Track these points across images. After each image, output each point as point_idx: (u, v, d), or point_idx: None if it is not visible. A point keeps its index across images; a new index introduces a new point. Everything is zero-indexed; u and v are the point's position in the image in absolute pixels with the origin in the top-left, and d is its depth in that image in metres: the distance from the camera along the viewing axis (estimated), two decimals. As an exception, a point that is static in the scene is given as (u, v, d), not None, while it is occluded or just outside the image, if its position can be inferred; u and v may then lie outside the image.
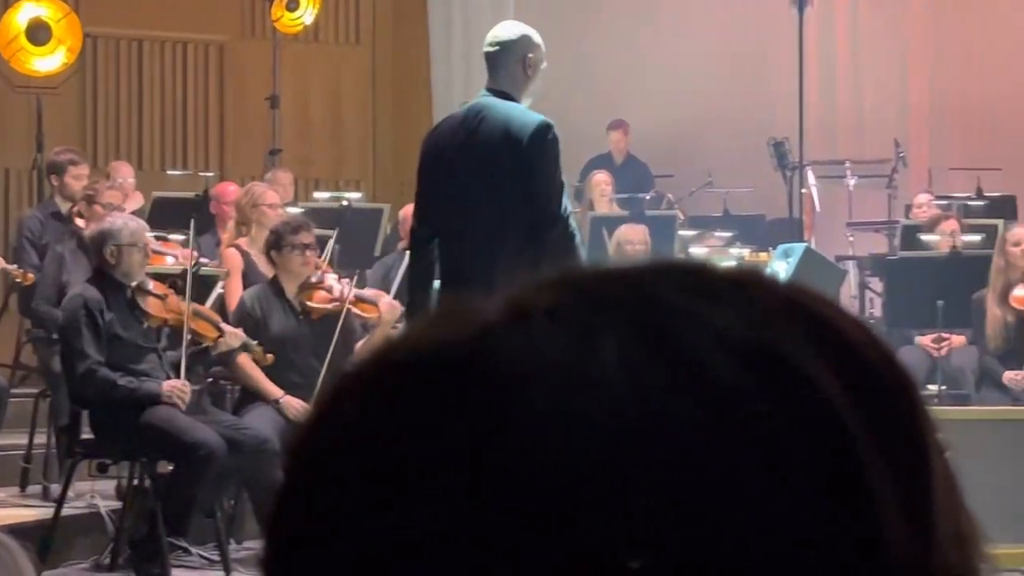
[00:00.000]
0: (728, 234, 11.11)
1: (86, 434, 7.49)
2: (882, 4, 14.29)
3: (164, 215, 9.54)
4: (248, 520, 7.90)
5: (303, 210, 9.81)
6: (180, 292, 7.63)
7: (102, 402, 7.31)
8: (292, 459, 0.68)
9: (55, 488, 7.98)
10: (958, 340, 9.27)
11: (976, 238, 9.73)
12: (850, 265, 11.07)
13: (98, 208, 8.69)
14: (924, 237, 9.94)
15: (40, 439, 8.67)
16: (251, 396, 7.92)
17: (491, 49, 6.39)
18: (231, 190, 9.87)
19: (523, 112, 6.24)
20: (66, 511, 7.52)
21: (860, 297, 10.85)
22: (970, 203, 11.31)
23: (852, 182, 12.25)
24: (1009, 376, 8.76)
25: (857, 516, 0.63)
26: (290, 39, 12.72)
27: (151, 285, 7.55)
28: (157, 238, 8.25)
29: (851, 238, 11.62)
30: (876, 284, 10.63)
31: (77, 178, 9.54)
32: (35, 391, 8.88)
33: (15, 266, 8.97)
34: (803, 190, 11.41)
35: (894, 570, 0.63)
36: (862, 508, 0.63)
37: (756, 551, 0.62)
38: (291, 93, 13.02)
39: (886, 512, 0.63)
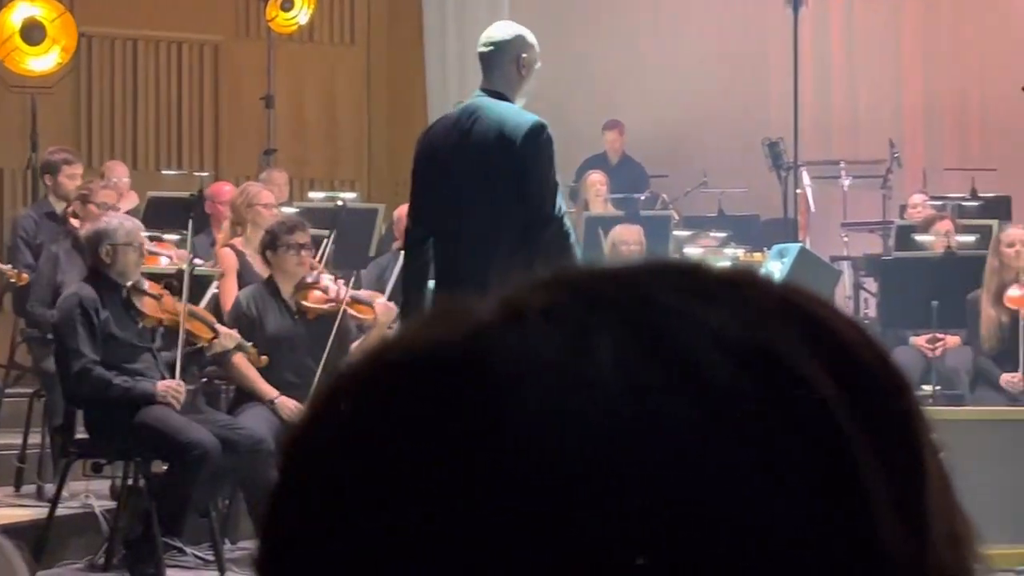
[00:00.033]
0: (723, 234, 11.12)
1: (80, 434, 7.48)
2: (877, 5, 14.29)
3: (159, 215, 9.53)
4: (243, 520, 7.89)
5: (298, 210, 9.80)
6: (175, 292, 7.63)
7: (97, 401, 7.30)
8: (286, 459, 0.68)
9: (49, 488, 7.97)
10: (952, 340, 9.27)
11: (971, 238, 9.74)
12: (845, 265, 11.08)
13: (93, 208, 8.69)
14: (919, 237, 9.94)
15: (35, 439, 8.66)
16: (246, 396, 7.91)
17: (485, 49, 6.40)
18: (226, 190, 9.86)
19: (517, 112, 6.24)
20: (60, 511, 7.51)
21: (855, 297, 10.85)
22: (964, 203, 11.32)
23: (847, 182, 12.26)
24: (1006, 379, 8.77)
25: (852, 516, 0.63)
26: (285, 39, 12.72)
27: (147, 285, 7.55)
28: (151, 238, 8.24)
29: (846, 238, 11.63)
30: (871, 284, 10.63)
31: (71, 177, 9.54)
32: (30, 391, 8.87)
33: (9, 266, 8.96)
34: (798, 190, 11.41)
35: (889, 570, 0.63)
36: (857, 508, 0.63)
37: (752, 551, 0.62)
38: (286, 93, 13.02)
39: (881, 512, 0.63)
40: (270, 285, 8.12)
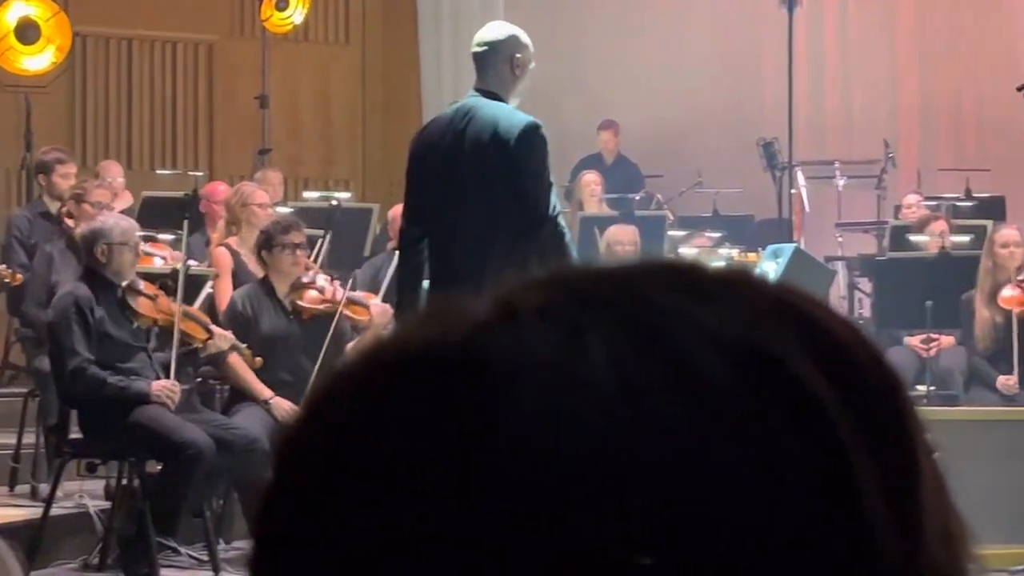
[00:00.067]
0: (717, 234, 11.12)
1: (75, 434, 7.48)
2: (871, 5, 14.30)
3: (153, 214, 9.53)
4: (237, 520, 7.89)
5: (292, 210, 9.80)
6: (170, 293, 7.63)
7: (91, 400, 7.30)
8: (280, 458, 0.68)
9: (44, 488, 7.97)
10: (947, 341, 9.28)
11: (965, 239, 9.74)
12: (839, 265, 11.09)
13: (87, 207, 8.69)
14: (913, 238, 9.95)
15: (29, 439, 8.66)
16: (240, 396, 7.91)
17: (479, 49, 6.40)
18: (221, 189, 9.86)
19: (511, 112, 6.25)
20: (55, 511, 7.51)
21: (849, 297, 10.86)
22: (959, 204, 11.33)
23: (841, 182, 12.27)
24: (1003, 381, 8.77)
25: (846, 517, 0.63)
26: (279, 39, 12.72)
27: (142, 285, 7.55)
28: (145, 239, 8.24)
29: (840, 238, 11.64)
30: (865, 284, 10.64)
31: (65, 177, 9.53)
32: (24, 391, 8.87)
33: (3, 266, 8.96)
34: (792, 190, 11.42)
35: (883, 571, 0.63)
36: (851, 509, 0.63)
37: (748, 551, 0.62)
38: (280, 93, 13.01)
39: (875, 512, 0.63)
40: (265, 285, 8.12)
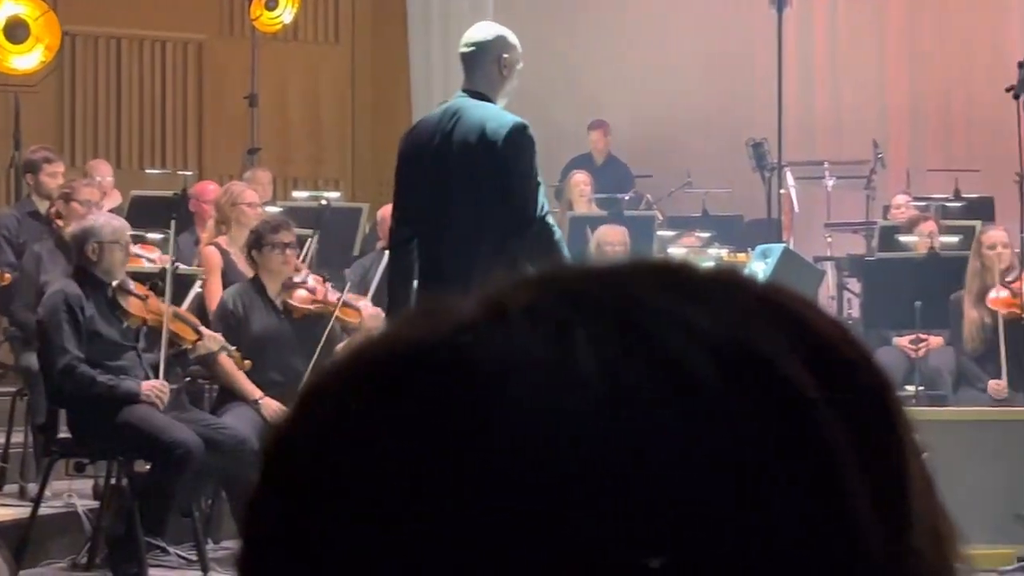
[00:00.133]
0: (707, 235, 11.13)
1: (63, 433, 7.46)
2: (861, 5, 14.32)
3: (142, 214, 9.52)
4: (226, 520, 7.88)
5: (282, 209, 9.80)
6: (160, 293, 7.63)
7: (80, 400, 7.29)
8: (268, 458, 0.68)
9: (32, 487, 7.95)
10: (936, 341, 9.29)
11: (954, 239, 9.76)
12: (828, 266, 11.09)
13: (76, 206, 8.68)
14: (902, 238, 9.96)
15: (17, 438, 8.65)
16: (229, 395, 7.90)
17: (466, 50, 6.41)
18: (211, 189, 9.86)
19: (498, 113, 6.26)
20: (43, 510, 7.50)
21: (838, 298, 10.86)
22: (948, 204, 11.34)
23: (830, 183, 12.27)
24: (992, 386, 8.77)
25: (836, 517, 0.63)
26: (269, 38, 12.71)
27: (132, 285, 7.55)
28: (134, 239, 8.23)
29: (829, 239, 11.64)
30: (854, 285, 10.64)
31: (52, 176, 9.52)
32: (12, 390, 8.85)
33: (-8, 266, 8.95)
34: (781, 191, 11.42)
35: (871, 571, 0.63)
36: (841, 509, 0.63)
37: (745, 550, 0.62)
38: (270, 92, 13.00)
39: (863, 512, 0.64)
40: (256, 284, 8.12)
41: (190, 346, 7.68)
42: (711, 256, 10.11)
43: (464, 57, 6.42)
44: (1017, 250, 9.10)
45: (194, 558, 7.39)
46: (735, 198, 12.57)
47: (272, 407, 7.71)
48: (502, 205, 6.11)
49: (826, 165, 12.41)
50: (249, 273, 8.25)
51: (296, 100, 14.04)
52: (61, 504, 7.87)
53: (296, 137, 13.99)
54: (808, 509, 0.63)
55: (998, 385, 8.74)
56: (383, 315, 7.94)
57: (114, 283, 7.49)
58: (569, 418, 0.62)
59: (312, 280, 8.23)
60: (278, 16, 12.13)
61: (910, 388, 8.75)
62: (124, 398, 7.28)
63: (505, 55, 6.36)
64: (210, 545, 7.59)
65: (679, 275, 0.67)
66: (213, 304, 8.23)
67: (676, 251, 10.44)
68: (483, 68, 6.35)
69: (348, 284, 8.51)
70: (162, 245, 8.62)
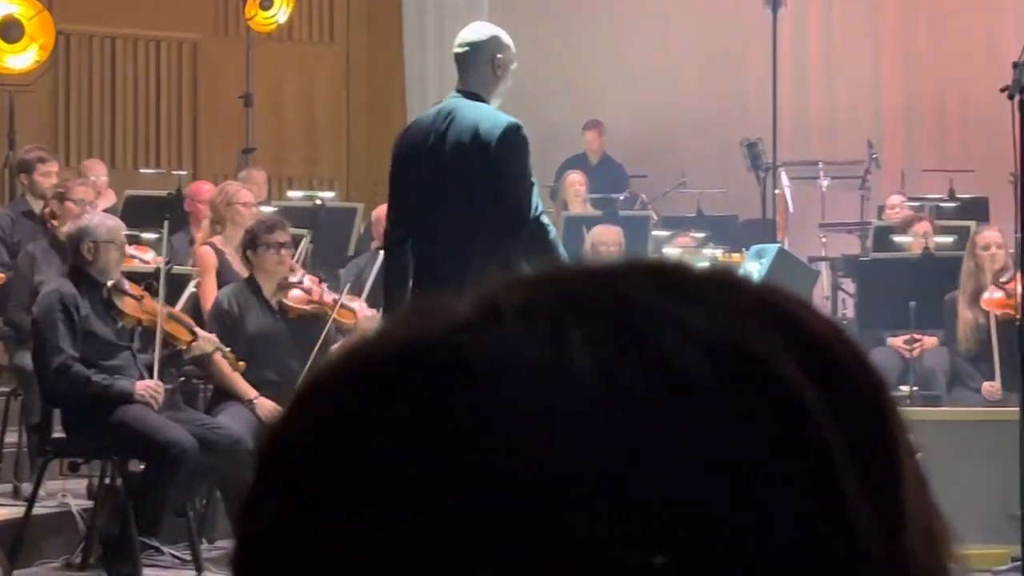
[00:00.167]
0: (701, 235, 11.13)
1: (58, 433, 7.46)
2: (856, 5, 14.32)
3: (136, 213, 9.52)
4: (220, 520, 7.88)
5: (276, 209, 9.80)
6: (155, 294, 7.62)
7: (74, 400, 7.28)
8: (263, 457, 0.68)
9: (26, 487, 7.95)
10: (930, 341, 9.29)
11: (948, 240, 9.76)
12: (823, 266, 11.09)
13: (70, 205, 8.67)
14: (897, 238, 9.96)
15: (11, 437, 8.64)
16: (224, 395, 7.90)
17: (460, 50, 6.41)
18: (206, 189, 9.85)
19: (492, 113, 6.26)
20: (37, 510, 7.49)
21: (833, 298, 10.87)
22: (943, 204, 11.35)
23: (825, 183, 12.28)
24: (986, 388, 8.77)
25: (833, 517, 0.63)
26: (264, 38, 12.70)
27: (127, 285, 7.54)
28: (128, 239, 8.22)
29: (824, 239, 11.65)
30: (849, 285, 10.65)
31: (46, 176, 9.50)
32: (6, 390, 8.85)
33: (-14, 265, 8.94)
34: (776, 191, 11.42)
35: (866, 571, 0.64)
36: (838, 509, 0.63)
37: (742, 551, 0.62)
38: (265, 92, 13.00)
39: (859, 513, 0.64)
40: (251, 284, 8.12)
41: (185, 347, 7.68)
42: (706, 256, 10.11)
43: (458, 57, 6.42)
44: (1011, 251, 9.10)
45: (188, 558, 7.38)
46: (730, 198, 12.57)
47: (267, 407, 7.71)
48: (496, 205, 6.11)
49: (821, 165, 12.42)
50: (244, 273, 8.25)
51: (291, 100, 14.04)
52: (55, 504, 7.87)
53: (291, 137, 13.98)
54: (805, 509, 0.63)
55: (992, 387, 8.74)
56: (378, 316, 7.95)
57: (109, 283, 7.49)
58: (564, 418, 0.62)
59: (308, 280, 8.24)
60: (273, 16, 12.12)
61: (904, 388, 8.76)
62: (118, 398, 7.28)
63: (499, 55, 6.37)
64: (204, 545, 7.59)
65: (674, 275, 0.68)
66: (208, 304, 8.23)
67: (671, 251, 10.44)
68: (477, 68, 6.35)
69: (347, 285, 8.51)
70: (156, 245, 8.61)
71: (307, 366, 7.79)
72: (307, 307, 8.10)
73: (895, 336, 9.34)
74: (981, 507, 7.08)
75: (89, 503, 7.76)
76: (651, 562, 0.61)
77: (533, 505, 0.62)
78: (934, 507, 0.68)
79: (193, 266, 8.65)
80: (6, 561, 7.01)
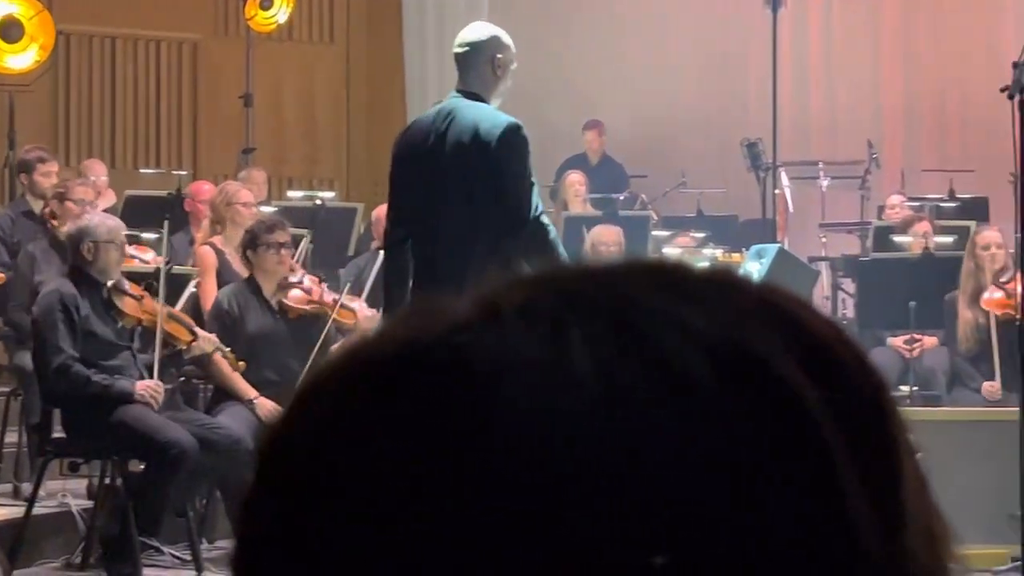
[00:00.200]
0: (701, 235, 11.13)
1: (58, 433, 7.46)
2: (856, 5, 14.32)
3: (136, 213, 9.52)
4: (220, 520, 7.88)
5: (276, 209, 9.80)
6: (155, 294, 7.63)
7: (74, 399, 7.28)
8: (263, 457, 0.68)
9: (26, 487, 7.95)
10: (930, 341, 9.29)
11: (948, 240, 9.76)
12: (823, 266, 11.09)
13: (70, 205, 8.67)
14: (897, 238, 9.96)
15: (11, 437, 8.64)
16: (224, 395, 7.90)
17: (460, 50, 6.41)
18: (206, 188, 9.85)
19: (492, 113, 6.26)
20: (37, 510, 7.49)
21: (833, 298, 10.87)
22: (943, 204, 11.34)
23: (825, 183, 12.28)
24: (986, 388, 8.77)
25: (833, 517, 0.63)
26: (264, 38, 12.70)
27: (128, 286, 7.54)
28: (128, 239, 8.23)
29: (824, 239, 11.65)
30: (849, 285, 10.65)
31: (46, 175, 9.50)
32: (6, 390, 8.85)
33: (-15, 266, 8.94)
34: (776, 191, 11.42)
35: (866, 571, 0.64)
36: (838, 509, 0.63)
37: (743, 551, 0.62)
38: (265, 92, 13.00)
39: (860, 513, 0.64)
40: (251, 284, 8.12)
41: (185, 347, 7.68)
42: (706, 256, 10.11)
43: (458, 57, 6.42)
44: (1011, 250, 9.10)
45: (188, 558, 7.38)
46: (730, 198, 12.58)
47: (267, 407, 7.70)
48: (496, 205, 6.11)
49: (821, 165, 12.42)
50: (244, 273, 8.25)
51: (291, 100, 14.04)
52: (55, 504, 7.87)
53: (291, 137, 13.98)
54: (805, 509, 0.63)
55: (992, 387, 8.74)
56: (378, 316, 7.95)
57: (109, 283, 7.49)
58: (564, 418, 0.62)
59: (308, 280, 8.24)
60: (273, 16, 12.12)
61: (904, 388, 8.76)
62: (118, 398, 7.28)
63: (499, 55, 6.37)
64: (204, 545, 7.59)
65: (674, 275, 0.68)
66: (208, 304, 8.23)
67: (671, 251, 10.44)
68: (477, 68, 6.35)
69: (348, 285, 8.51)
70: (156, 245, 8.62)
71: (307, 366, 7.79)
72: (307, 307, 8.10)
73: (895, 336, 9.34)
74: (981, 507, 7.08)
75: (89, 503, 7.76)
76: (651, 562, 0.61)
77: (533, 505, 0.62)
78: (934, 507, 0.68)
79: (193, 266, 8.65)
80: (6, 561, 7.01)
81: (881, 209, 11.68)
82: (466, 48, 6.39)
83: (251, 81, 12.27)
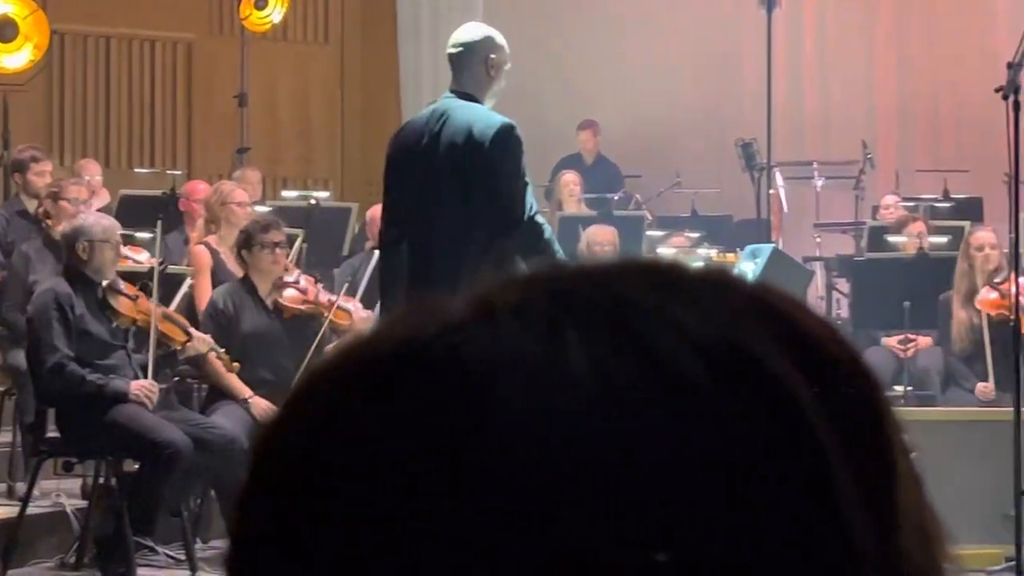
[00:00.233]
0: (696, 235, 11.14)
1: (52, 432, 7.45)
2: (850, 6, 14.33)
3: (131, 213, 9.51)
4: (215, 519, 7.88)
5: (271, 209, 9.80)
6: (150, 294, 7.62)
7: (68, 399, 7.28)
8: (258, 457, 0.68)
9: (20, 486, 7.94)
10: (924, 341, 9.29)
11: (943, 240, 9.76)
12: (817, 266, 11.10)
13: (64, 204, 8.67)
14: (891, 238, 9.97)
15: (5, 437, 8.63)
16: (219, 395, 7.90)
17: (454, 51, 6.41)
18: (201, 188, 9.85)
19: (486, 114, 6.26)
20: (31, 510, 7.48)
21: (827, 298, 10.87)
22: (937, 205, 11.36)
23: (819, 183, 12.28)
24: (980, 389, 8.77)
25: (828, 517, 0.63)
26: (258, 37, 12.70)
27: (123, 285, 7.54)
28: (123, 239, 8.22)
29: (818, 239, 11.66)
30: (843, 285, 10.65)
31: (40, 175, 9.50)
32: (0, 389, 8.84)
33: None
34: (771, 191, 11.43)
35: (860, 570, 0.64)
36: (832, 509, 0.63)
37: (738, 550, 0.62)
38: (259, 91, 12.99)
39: (852, 512, 0.64)
40: (246, 283, 8.11)
41: (179, 347, 7.67)
42: (700, 256, 10.12)
43: (451, 58, 6.42)
44: (1005, 251, 9.11)
45: (183, 558, 7.38)
46: (724, 198, 12.58)
47: (262, 406, 7.70)
48: (490, 205, 6.11)
49: (815, 165, 12.42)
50: (239, 273, 8.25)
51: (285, 100, 14.03)
52: (49, 504, 7.86)
53: (285, 137, 13.98)
54: (799, 509, 0.63)
55: (986, 388, 8.74)
56: (373, 316, 7.95)
57: (104, 283, 7.48)
58: (560, 418, 0.62)
59: (304, 280, 8.23)
60: (267, 16, 12.12)
61: (898, 388, 8.76)
62: (113, 397, 7.27)
63: (492, 56, 6.36)
64: (199, 545, 7.58)
65: (669, 275, 0.68)
66: (203, 303, 8.23)
67: (665, 251, 10.45)
68: (470, 69, 6.35)
69: (345, 286, 8.51)
70: (150, 245, 8.61)
71: (302, 367, 7.79)
72: (302, 307, 8.09)
73: (889, 336, 9.34)
74: (975, 507, 7.08)
75: (83, 503, 7.76)
76: (646, 561, 0.61)
77: (529, 505, 0.62)
78: (928, 507, 0.68)
79: (188, 266, 8.64)
80: (1, 561, 7.01)
81: (875, 209, 11.68)
82: (459, 48, 6.40)
83: (246, 81, 12.27)
